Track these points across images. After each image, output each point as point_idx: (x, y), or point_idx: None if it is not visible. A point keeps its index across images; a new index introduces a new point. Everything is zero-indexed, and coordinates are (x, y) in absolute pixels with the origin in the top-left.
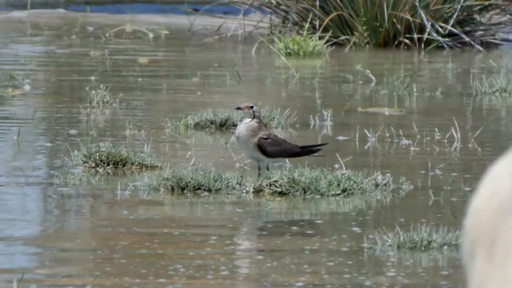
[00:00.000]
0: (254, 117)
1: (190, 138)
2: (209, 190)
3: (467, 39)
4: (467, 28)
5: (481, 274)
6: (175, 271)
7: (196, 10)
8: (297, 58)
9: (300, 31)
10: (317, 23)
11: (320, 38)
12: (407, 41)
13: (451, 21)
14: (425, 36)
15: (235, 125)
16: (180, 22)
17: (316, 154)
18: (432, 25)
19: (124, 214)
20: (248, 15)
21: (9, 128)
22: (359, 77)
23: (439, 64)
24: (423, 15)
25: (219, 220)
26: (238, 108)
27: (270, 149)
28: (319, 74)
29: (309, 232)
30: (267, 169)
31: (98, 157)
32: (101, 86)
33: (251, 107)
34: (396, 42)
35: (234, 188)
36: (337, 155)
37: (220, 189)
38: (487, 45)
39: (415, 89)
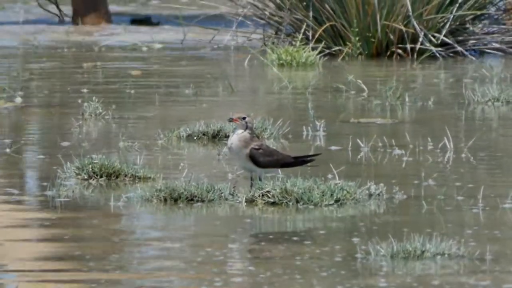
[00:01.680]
0: (246, 128)
1: (183, 150)
2: (202, 201)
3: (459, 48)
4: (460, 38)
5: None
6: (168, 282)
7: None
8: (290, 69)
9: (293, 42)
10: (310, 34)
11: (313, 49)
12: (400, 51)
13: (444, 31)
14: (418, 46)
15: (227, 136)
16: (173, 34)
17: (308, 164)
18: (425, 35)
19: (117, 224)
20: (241, 26)
21: (2, 140)
22: (352, 88)
23: (432, 74)
24: (416, 25)
25: (212, 230)
26: (231, 120)
27: (263, 159)
28: (312, 85)
29: (302, 242)
30: (260, 179)
31: (91, 169)
32: (94, 98)
33: (244, 118)
34: (388, 52)
35: (227, 199)
36: (331, 165)
37: (213, 200)
38: (480, 55)
39: (407, 99)
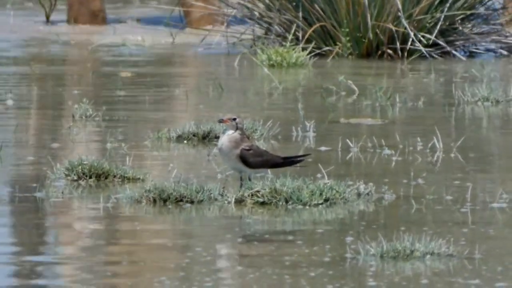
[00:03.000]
0: (237, 129)
1: (172, 150)
2: (192, 202)
3: (449, 48)
4: (450, 38)
5: None
6: (159, 282)
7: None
8: (280, 69)
9: (283, 43)
10: (300, 34)
11: (303, 49)
12: (390, 51)
13: (434, 31)
14: (408, 46)
15: (217, 137)
16: (164, 35)
17: (298, 164)
18: (415, 35)
19: (106, 226)
20: (232, 27)
21: None
22: (342, 88)
23: (422, 74)
24: (406, 25)
25: (202, 231)
26: (221, 121)
27: (253, 160)
28: (302, 85)
29: (291, 242)
30: (249, 179)
31: (80, 170)
32: (84, 99)
33: (234, 119)
34: (379, 53)
35: (216, 199)
36: (320, 165)
37: (202, 200)
38: (469, 55)
39: (397, 99)
